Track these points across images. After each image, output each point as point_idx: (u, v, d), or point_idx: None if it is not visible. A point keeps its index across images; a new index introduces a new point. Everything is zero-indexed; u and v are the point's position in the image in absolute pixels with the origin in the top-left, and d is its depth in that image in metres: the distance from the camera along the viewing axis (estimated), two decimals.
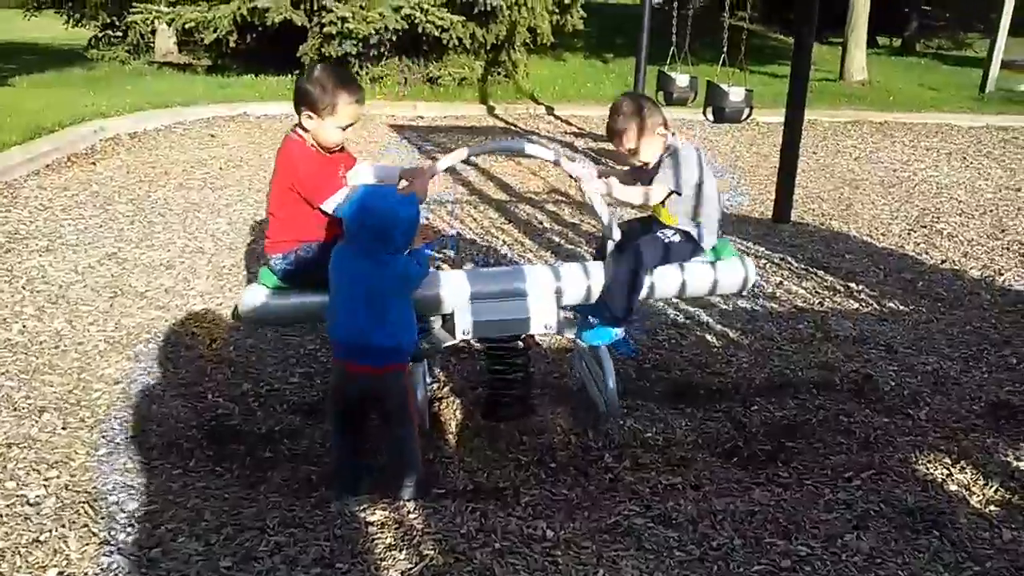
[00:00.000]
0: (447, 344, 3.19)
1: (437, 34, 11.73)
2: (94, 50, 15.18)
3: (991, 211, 7.01)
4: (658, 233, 3.30)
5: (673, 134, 3.32)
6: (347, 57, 11.94)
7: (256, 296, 2.98)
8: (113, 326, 4.15)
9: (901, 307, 4.76)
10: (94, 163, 7.78)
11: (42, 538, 2.52)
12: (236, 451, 3.10)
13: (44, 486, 2.80)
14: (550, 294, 3.16)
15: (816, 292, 4.95)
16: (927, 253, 5.80)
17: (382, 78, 12.46)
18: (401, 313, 2.74)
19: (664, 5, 14.57)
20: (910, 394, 3.69)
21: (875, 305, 4.78)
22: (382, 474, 2.87)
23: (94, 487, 2.80)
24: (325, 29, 11.49)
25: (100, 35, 15.38)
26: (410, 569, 2.40)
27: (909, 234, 6.27)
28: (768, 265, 5.41)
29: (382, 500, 2.76)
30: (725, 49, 8.21)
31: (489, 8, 11.88)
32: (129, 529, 2.57)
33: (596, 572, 2.42)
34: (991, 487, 2.93)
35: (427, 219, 6.20)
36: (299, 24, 11.64)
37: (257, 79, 12.56)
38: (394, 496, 2.79)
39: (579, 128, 10.57)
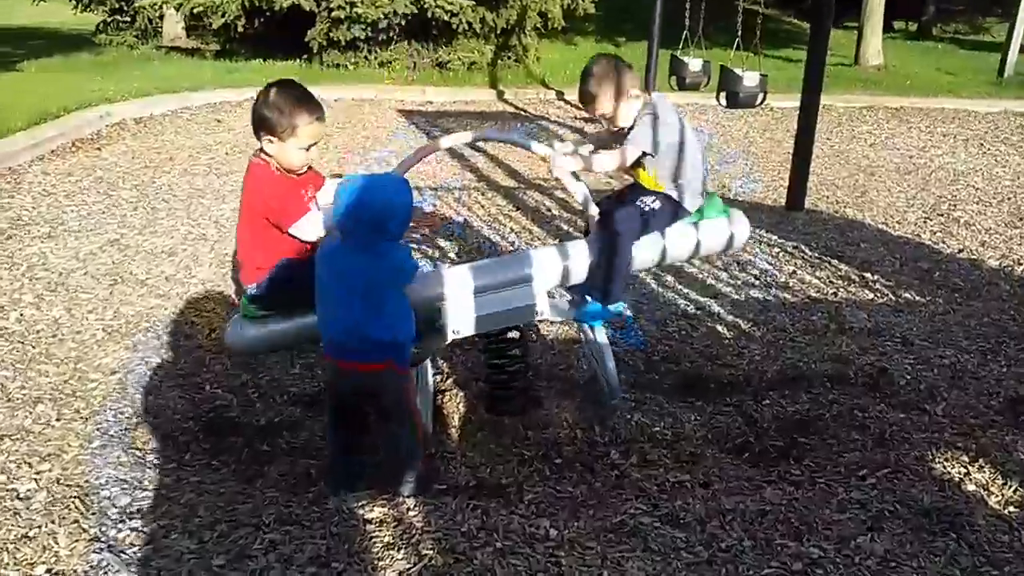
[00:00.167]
0: (439, 346, 3.11)
1: (447, 18, 11.60)
2: (102, 35, 15.11)
3: (1009, 199, 6.86)
4: (637, 202, 3.18)
5: (648, 93, 3.20)
6: (356, 42, 11.84)
7: (241, 329, 2.90)
8: (112, 314, 4.08)
9: (917, 298, 4.64)
10: (99, 148, 7.72)
11: (31, 534, 2.46)
12: (233, 444, 3.03)
13: (35, 480, 2.73)
14: (538, 281, 3.08)
15: (830, 282, 4.84)
16: (944, 242, 5.67)
17: (391, 62, 12.35)
18: (398, 306, 2.66)
19: None
20: (926, 388, 3.59)
21: (891, 296, 4.67)
22: (379, 469, 2.79)
23: (86, 481, 2.73)
24: (333, 13, 11.38)
25: (108, 20, 15.30)
26: (408, 569, 2.33)
27: (925, 222, 6.14)
28: (781, 254, 5.30)
29: (381, 496, 2.68)
30: (739, 33, 8.05)
31: None
32: (120, 525, 2.50)
33: (600, 574, 2.34)
34: (1010, 487, 2.83)
35: (434, 206, 6.11)
36: (307, 9, 11.53)
37: (265, 64, 12.47)
38: (393, 492, 2.71)
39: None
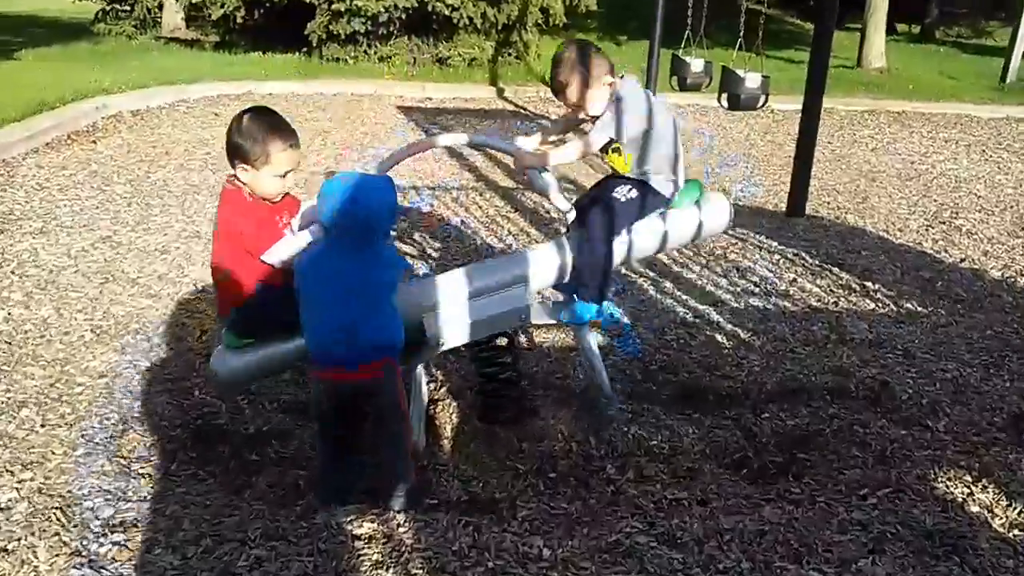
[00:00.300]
0: (426, 358, 3.05)
1: (447, 13, 11.52)
2: (101, 24, 15.01)
3: (1012, 207, 6.81)
4: (614, 193, 3.10)
5: (622, 77, 3.10)
6: (356, 35, 11.75)
7: (224, 360, 2.82)
8: (101, 314, 4.01)
9: (919, 308, 4.58)
10: (95, 141, 7.64)
11: (10, 547, 2.39)
12: (221, 453, 2.96)
13: (16, 489, 2.66)
14: (516, 285, 3.02)
15: (831, 291, 4.78)
16: (946, 251, 5.61)
17: (391, 57, 12.27)
18: (388, 309, 2.60)
19: None
20: (928, 403, 3.53)
21: (892, 306, 4.61)
22: (377, 475, 2.73)
23: (68, 491, 2.66)
24: (334, 6, 11.31)
25: (107, 8, 15.22)
26: None
27: (927, 230, 6.08)
28: (782, 261, 5.23)
29: (371, 511, 2.62)
30: (742, 33, 7.98)
31: None
32: (102, 539, 2.44)
33: None
34: (1015, 508, 2.78)
35: (431, 206, 6.04)
36: (307, 1, 11.44)
37: (264, 56, 12.39)
38: (384, 506, 2.65)
39: None
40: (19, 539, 2.42)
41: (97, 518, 2.54)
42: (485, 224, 5.70)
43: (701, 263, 5.09)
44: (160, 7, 14.89)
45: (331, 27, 11.57)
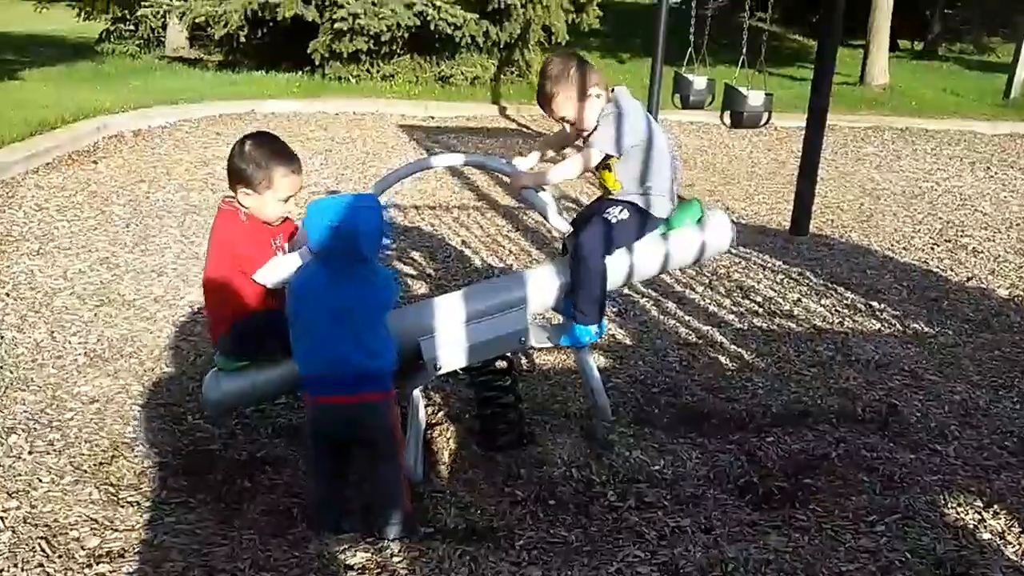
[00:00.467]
0: (423, 382, 2.99)
1: (450, 31, 11.52)
2: (105, 44, 15.04)
3: (1018, 225, 6.74)
4: (605, 214, 3.03)
5: (612, 90, 3.03)
6: (358, 54, 11.75)
7: (217, 383, 2.77)
8: (95, 338, 3.95)
9: (926, 329, 4.51)
10: (95, 161, 7.61)
11: None
12: (212, 481, 2.89)
13: (1, 519, 2.60)
14: (514, 307, 2.96)
15: (836, 311, 4.71)
16: (952, 270, 5.54)
17: (393, 76, 12.27)
18: (381, 333, 2.55)
19: (682, 4, 14.36)
20: (937, 427, 3.45)
21: (898, 326, 4.54)
22: (366, 508, 2.66)
23: (55, 520, 2.60)
24: (336, 25, 11.30)
25: (111, 28, 15.24)
26: None
27: (933, 248, 6.02)
28: (786, 280, 5.17)
29: (364, 540, 2.55)
30: (744, 51, 7.96)
31: (503, 6, 11.65)
32: (87, 570, 2.37)
33: None
34: None
35: (432, 226, 5.99)
36: (310, 19, 11.46)
37: (267, 75, 12.39)
38: (378, 535, 2.58)
39: None
40: (2, 571, 2.35)
41: (83, 548, 2.47)
42: (486, 244, 5.65)
43: (704, 283, 5.03)
44: (164, 27, 14.92)
45: (334, 46, 11.57)
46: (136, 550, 2.47)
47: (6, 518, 2.60)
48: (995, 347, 4.30)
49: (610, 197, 3.10)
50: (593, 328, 3.11)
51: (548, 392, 3.63)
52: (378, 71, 12.20)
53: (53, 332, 4.00)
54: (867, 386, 3.79)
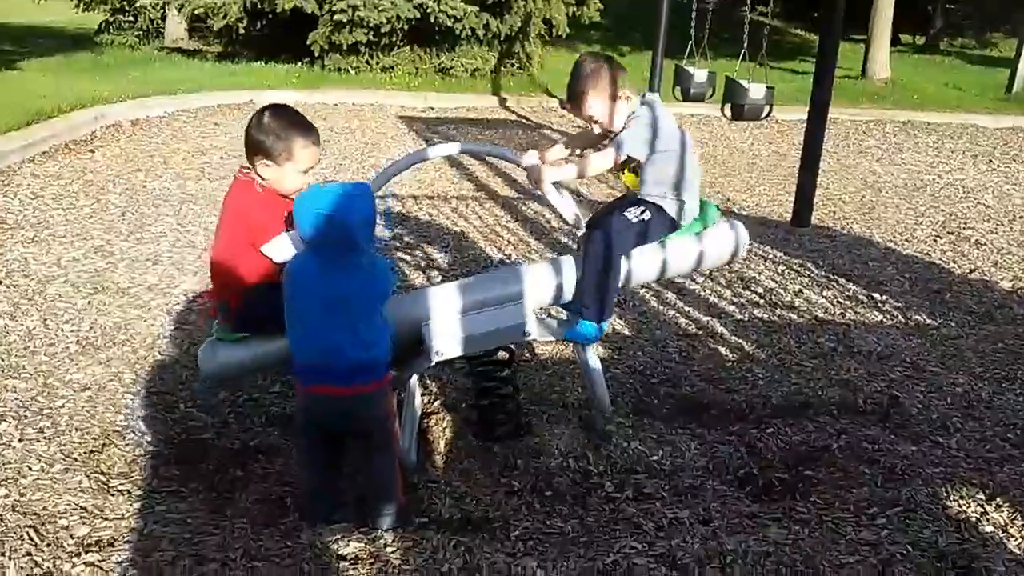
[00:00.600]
0: (424, 368, 2.95)
1: (450, 24, 11.46)
2: (104, 35, 14.98)
3: (1021, 217, 6.70)
4: (625, 213, 2.99)
5: (644, 95, 3.00)
6: (358, 46, 11.70)
7: (213, 352, 2.72)
8: (88, 326, 3.91)
9: (928, 320, 4.47)
10: (92, 151, 7.56)
11: None
12: (204, 469, 2.85)
13: None
14: (521, 299, 2.91)
15: (837, 302, 4.66)
16: (955, 262, 5.50)
17: (393, 68, 12.21)
18: (376, 324, 2.50)
19: None
20: (939, 418, 3.41)
21: (900, 318, 4.49)
22: (359, 500, 2.62)
23: (44, 508, 2.56)
24: (336, 17, 11.25)
25: (110, 20, 15.17)
26: None
27: (935, 241, 5.97)
28: (787, 271, 5.12)
29: (358, 530, 2.51)
30: (745, 44, 7.91)
31: None
32: (75, 559, 2.33)
33: None
34: None
35: (430, 216, 5.95)
36: (309, 11, 11.40)
37: (267, 67, 12.33)
38: (372, 525, 2.54)
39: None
40: None
41: (72, 537, 2.43)
42: (484, 234, 5.61)
43: (704, 274, 4.98)
44: (163, 18, 14.86)
45: (333, 37, 11.51)
46: (126, 539, 2.43)
47: None
48: (998, 339, 4.26)
49: (632, 197, 3.06)
50: (598, 325, 3.05)
51: (546, 382, 3.58)
52: (378, 63, 12.14)
53: (46, 320, 3.96)
54: (869, 377, 3.75)
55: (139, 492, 2.69)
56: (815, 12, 18.54)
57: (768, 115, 7.68)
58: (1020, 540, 2.61)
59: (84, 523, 2.50)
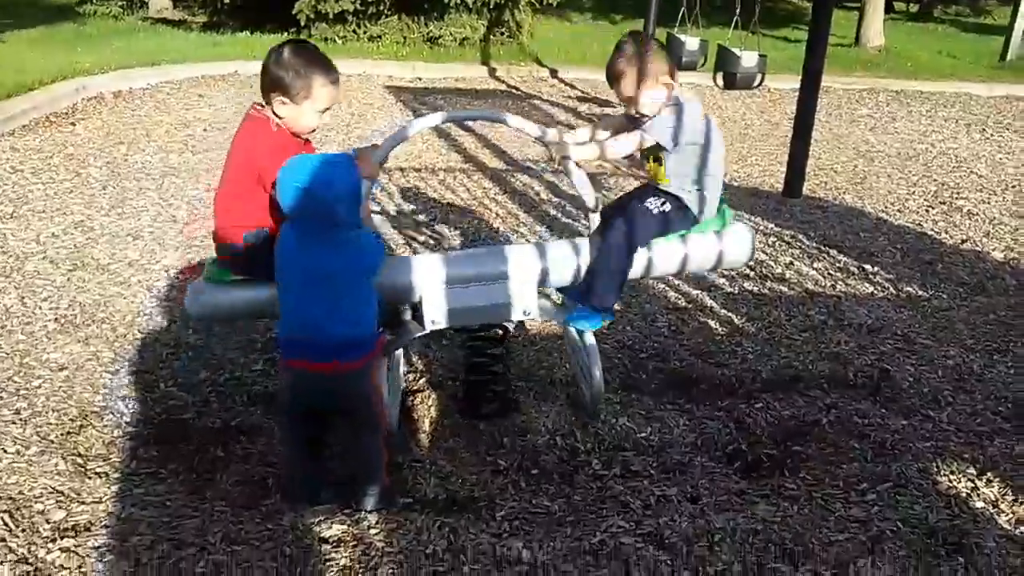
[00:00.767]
0: (417, 336, 2.88)
1: None
2: (87, 5, 14.72)
3: (1014, 187, 6.64)
4: (646, 203, 2.92)
5: (680, 86, 2.94)
6: (344, 14, 11.51)
7: (203, 293, 2.66)
8: (67, 303, 3.84)
9: (919, 292, 4.43)
10: (73, 123, 7.43)
11: None
12: (184, 450, 2.79)
13: None
14: (529, 277, 2.84)
15: (828, 274, 4.61)
16: (946, 232, 5.45)
17: (380, 37, 12.02)
18: (361, 300, 2.44)
19: None
20: (930, 392, 3.38)
21: (891, 289, 4.45)
22: (344, 479, 2.58)
23: (19, 492, 2.51)
24: None
25: None
26: None
27: (927, 211, 5.92)
28: (778, 243, 5.07)
29: (341, 511, 2.47)
30: (737, 12, 7.79)
31: None
32: (50, 545, 2.28)
33: None
34: (1021, 504, 2.63)
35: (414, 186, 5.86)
36: None
37: (252, 37, 12.13)
38: (355, 506, 2.50)
39: (583, 92, 10.15)
40: None
41: (47, 522, 2.39)
42: (472, 207, 5.53)
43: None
44: None
45: (319, 6, 11.32)
46: (103, 523, 2.38)
47: None
48: (990, 311, 4.22)
49: (654, 186, 2.98)
50: (606, 312, 2.99)
51: (533, 358, 3.54)
52: (365, 32, 11.95)
53: (23, 297, 3.88)
54: (859, 351, 3.71)
55: (117, 474, 2.64)
56: None
57: (760, 84, 7.59)
58: (1011, 516, 2.58)
59: (60, 507, 2.45)
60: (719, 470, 2.82)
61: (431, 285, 2.77)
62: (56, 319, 3.68)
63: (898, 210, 5.90)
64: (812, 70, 5.92)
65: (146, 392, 3.13)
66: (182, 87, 9.20)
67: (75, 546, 2.28)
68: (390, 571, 2.21)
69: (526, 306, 2.83)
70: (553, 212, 5.51)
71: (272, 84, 2.55)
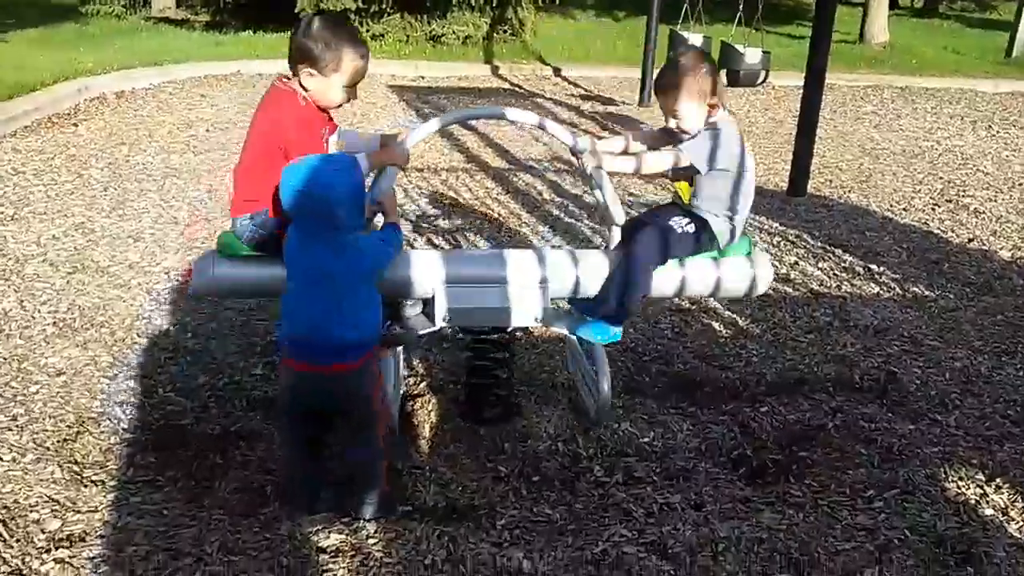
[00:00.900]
0: (424, 332, 2.83)
1: None
2: (90, 5, 14.69)
3: (1020, 184, 6.59)
4: (671, 222, 2.89)
5: (726, 109, 2.90)
6: (347, 13, 11.47)
7: (212, 265, 2.63)
8: (66, 307, 3.81)
9: (926, 292, 4.38)
10: (76, 124, 7.41)
11: None
12: (183, 457, 2.76)
13: None
14: (540, 283, 2.80)
15: (834, 274, 4.57)
16: (953, 231, 5.40)
17: (383, 35, 12.00)
18: (362, 301, 2.40)
19: None
20: (937, 395, 3.34)
21: (897, 290, 4.40)
22: (343, 486, 2.54)
23: (14, 501, 2.48)
24: None
25: None
26: None
27: (933, 209, 5.87)
28: (783, 243, 5.03)
29: (339, 520, 2.44)
30: (741, 8, 7.74)
31: None
32: (45, 555, 2.25)
33: None
34: None
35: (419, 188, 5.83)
36: None
37: (254, 36, 12.13)
38: (354, 514, 2.46)
39: (587, 90, 10.11)
40: None
41: (42, 531, 2.36)
42: (475, 207, 5.49)
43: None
44: None
45: (322, 4, 11.29)
46: (98, 533, 2.36)
47: None
48: (997, 311, 4.17)
49: (680, 206, 2.95)
50: (617, 328, 2.94)
51: (535, 361, 3.50)
52: (367, 30, 11.91)
53: (22, 300, 3.86)
54: (865, 353, 3.67)
55: (113, 482, 2.61)
56: None
57: (764, 81, 7.54)
58: (1021, 523, 2.55)
59: (55, 516, 2.42)
60: (723, 476, 2.79)
61: (446, 282, 2.73)
62: (55, 323, 3.65)
63: (904, 208, 5.85)
64: (816, 67, 5.88)
65: (144, 397, 3.10)
66: (184, 87, 9.19)
67: (70, 556, 2.25)
68: None
69: (536, 312, 2.78)
70: (556, 212, 5.47)
71: (300, 55, 2.52)
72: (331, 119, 2.68)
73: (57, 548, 2.28)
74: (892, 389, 3.36)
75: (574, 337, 3.01)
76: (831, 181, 6.48)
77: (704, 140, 2.81)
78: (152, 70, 9.61)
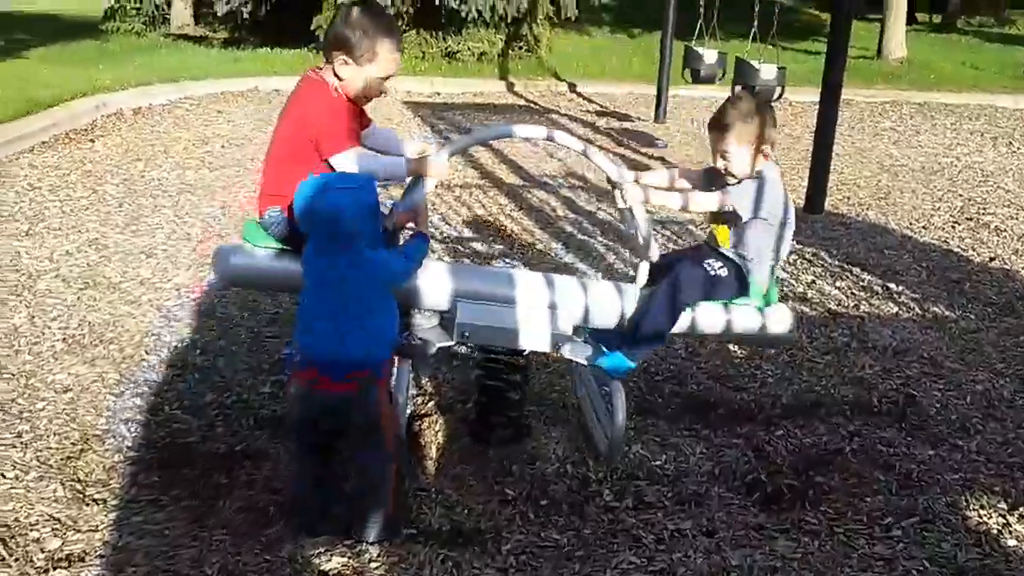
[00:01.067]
0: (441, 345, 2.79)
1: (455, 6, 11.26)
2: (110, 22, 14.87)
3: None
4: (704, 263, 2.86)
5: (771, 158, 2.87)
6: None
7: (236, 255, 2.63)
8: (76, 323, 3.79)
9: (946, 313, 4.30)
10: (92, 140, 7.45)
11: None
12: (187, 475, 2.72)
13: None
14: (570, 309, 2.77)
15: (852, 293, 4.50)
16: (973, 249, 5.32)
17: (399, 52, 12.02)
18: (374, 318, 2.37)
19: None
20: (958, 419, 3.26)
21: (917, 310, 4.33)
22: (349, 506, 2.49)
23: (15, 519, 2.45)
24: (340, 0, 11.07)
25: (116, 6, 15.05)
26: None
27: (953, 227, 5.78)
28: (799, 261, 4.96)
29: (342, 543, 2.39)
30: (755, 24, 7.69)
31: None
32: (43, 575, 2.22)
33: None
34: None
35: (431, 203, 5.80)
36: None
37: (272, 52, 12.20)
38: (357, 537, 2.42)
39: (602, 106, 10.08)
40: None
41: (42, 550, 2.33)
42: (488, 224, 5.46)
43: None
44: (168, 4, 14.74)
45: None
46: (98, 553, 2.32)
47: None
48: (1020, 332, 4.09)
49: (715, 248, 2.91)
50: (636, 362, 2.90)
51: (545, 381, 3.45)
52: None
53: (33, 316, 3.85)
54: (884, 375, 3.60)
55: (116, 501, 2.57)
56: None
57: (780, 97, 7.46)
58: None
59: (56, 535, 2.39)
60: (737, 502, 2.72)
61: (465, 296, 2.70)
62: (64, 339, 3.63)
63: (923, 226, 5.77)
64: (831, 83, 5.83)
65: (150, 415, 3.07)
66: (201, 103, 9.23)
67: None
68: None
69: (559, 339, 2.74)
70: (569, 228, 5.43)
71: (337, 43, 2.51)
72: (363, 112, 2.65)
73: (56, 568, 2.25)
74: (911, 413, 3.29)
75: (588, 371, 2.97)
76: (849, 198, 6.41)
77: (749, 188, 2.80)
78: (169, 86, 9.67)
